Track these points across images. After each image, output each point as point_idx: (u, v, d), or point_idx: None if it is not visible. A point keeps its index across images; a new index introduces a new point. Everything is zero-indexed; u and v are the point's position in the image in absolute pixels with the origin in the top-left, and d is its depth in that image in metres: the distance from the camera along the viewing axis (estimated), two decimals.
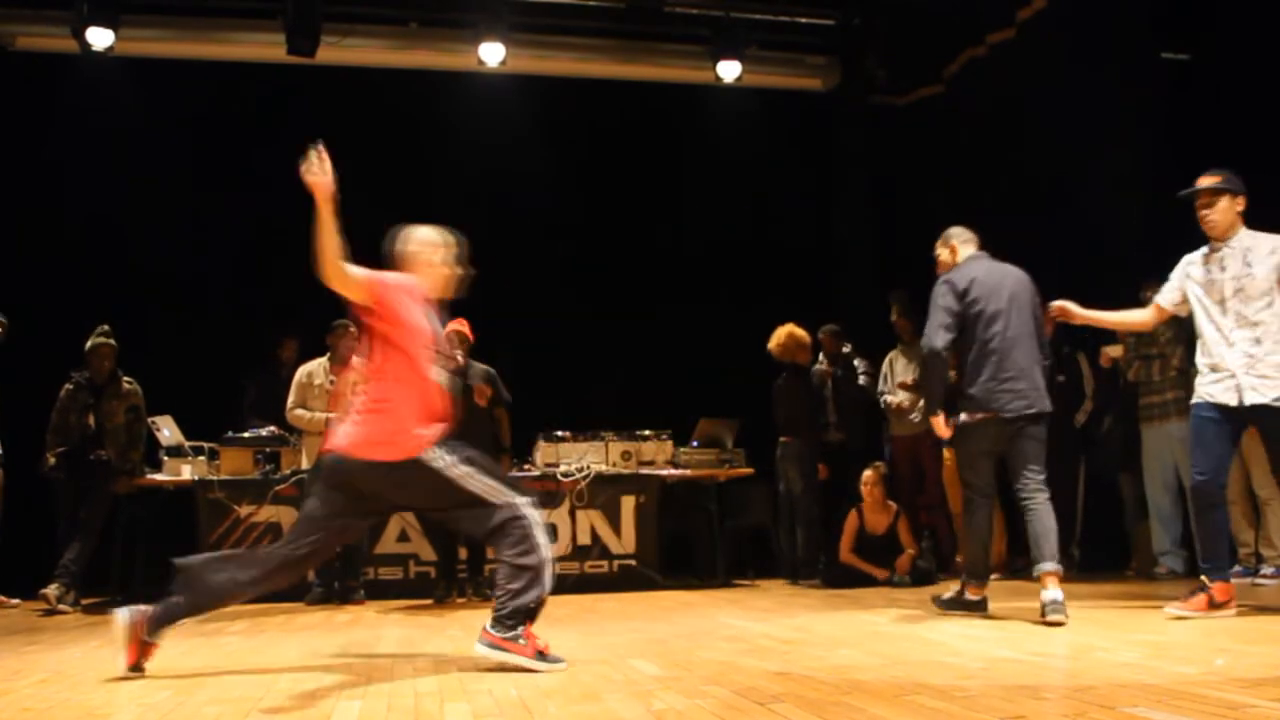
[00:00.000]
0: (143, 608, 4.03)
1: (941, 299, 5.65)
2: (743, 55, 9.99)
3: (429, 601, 7.30)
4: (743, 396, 8.79)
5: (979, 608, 5.55)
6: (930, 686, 3.42)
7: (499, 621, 4.09)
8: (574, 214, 10.32)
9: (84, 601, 7.31)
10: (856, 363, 8.83)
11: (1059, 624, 4.92)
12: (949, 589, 5.82)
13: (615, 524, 8.16)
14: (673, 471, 8.34)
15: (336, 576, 7.45)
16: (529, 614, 4.15)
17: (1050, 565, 5.19)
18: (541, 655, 4.08)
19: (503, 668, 4.01)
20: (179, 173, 9.31)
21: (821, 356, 8.71)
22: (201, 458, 7.83)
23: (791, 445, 8.28)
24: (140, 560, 7.86)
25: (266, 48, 9.52)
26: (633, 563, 8.15)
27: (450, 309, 7.57)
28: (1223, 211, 5.17)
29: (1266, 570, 6.83)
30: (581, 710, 3.21)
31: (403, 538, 7.88)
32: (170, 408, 7.85)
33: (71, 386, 7.63)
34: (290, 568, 4.21)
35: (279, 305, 8.77)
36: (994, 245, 9.07)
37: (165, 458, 7.80)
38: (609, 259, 10.33)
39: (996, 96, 9.36)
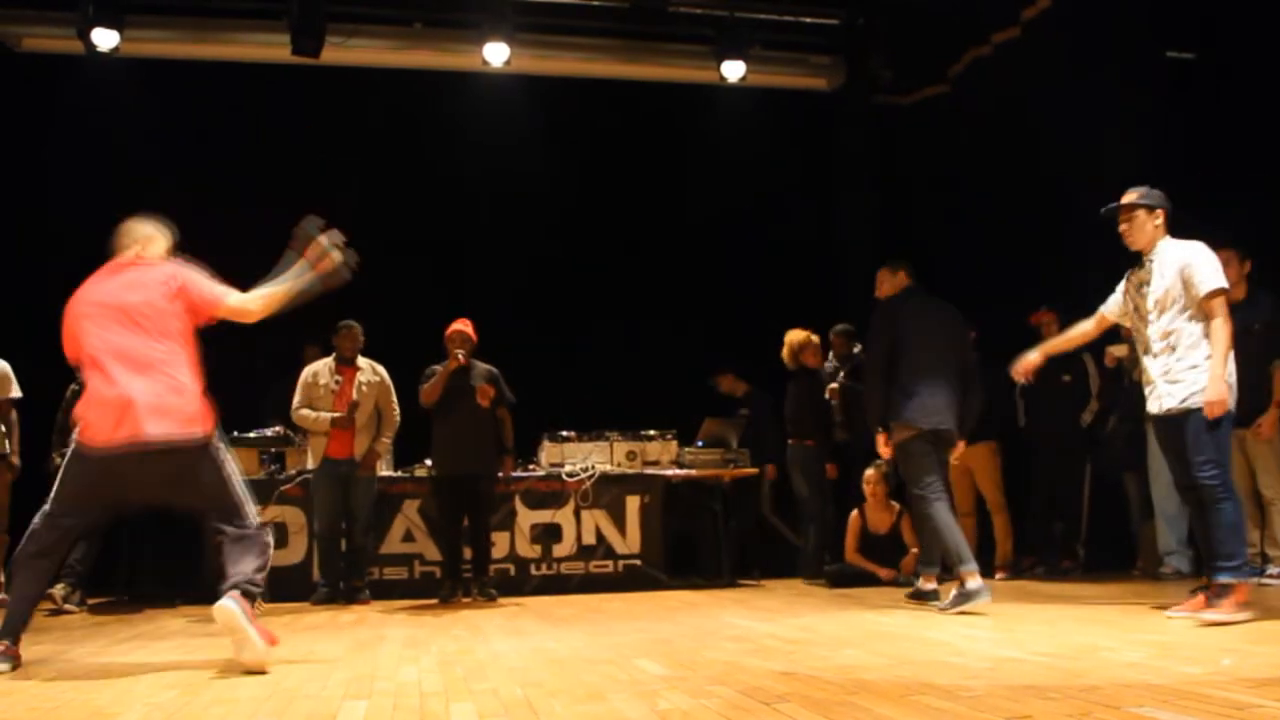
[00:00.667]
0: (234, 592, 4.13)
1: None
2: (747, 55, 9.98)
3: (434, 601, 7.31)
4: (743, 397, 8.80)
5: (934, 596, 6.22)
6: (936, 686, 3.42)
7: None
8: (578, 213, 10.33)
9: (90, 601, 7.32)
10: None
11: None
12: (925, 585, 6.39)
13: (620, 524, 8.17)
14: (678, 471, 8.35)
15: (342, 577, 7.46)
16: None
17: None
18: None
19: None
20: (186, 173, 9.31)
21: (831, 356, 8.70)
22: None
23: (798, 448, 8.29)
24: (147, 560, 7.89)
25: (271, 48, 9.52)
26: (638, 562, 8.15)
27: (455, 310, 7.66)
28: (1139, 227, 5.30)
29: (1272, 570, 6.82)
30: (587, 710, 3.21)
31: (408, 537, 7.89)
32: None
33: (76, 387, 7.62)
34: None
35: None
36: (999, 245, 9.10)
37: None
38: (613, 259, 10.33)
39: (1001, 96, 9.35)
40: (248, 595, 4.16)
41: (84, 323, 4.38)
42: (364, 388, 7.57)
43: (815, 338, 8.40)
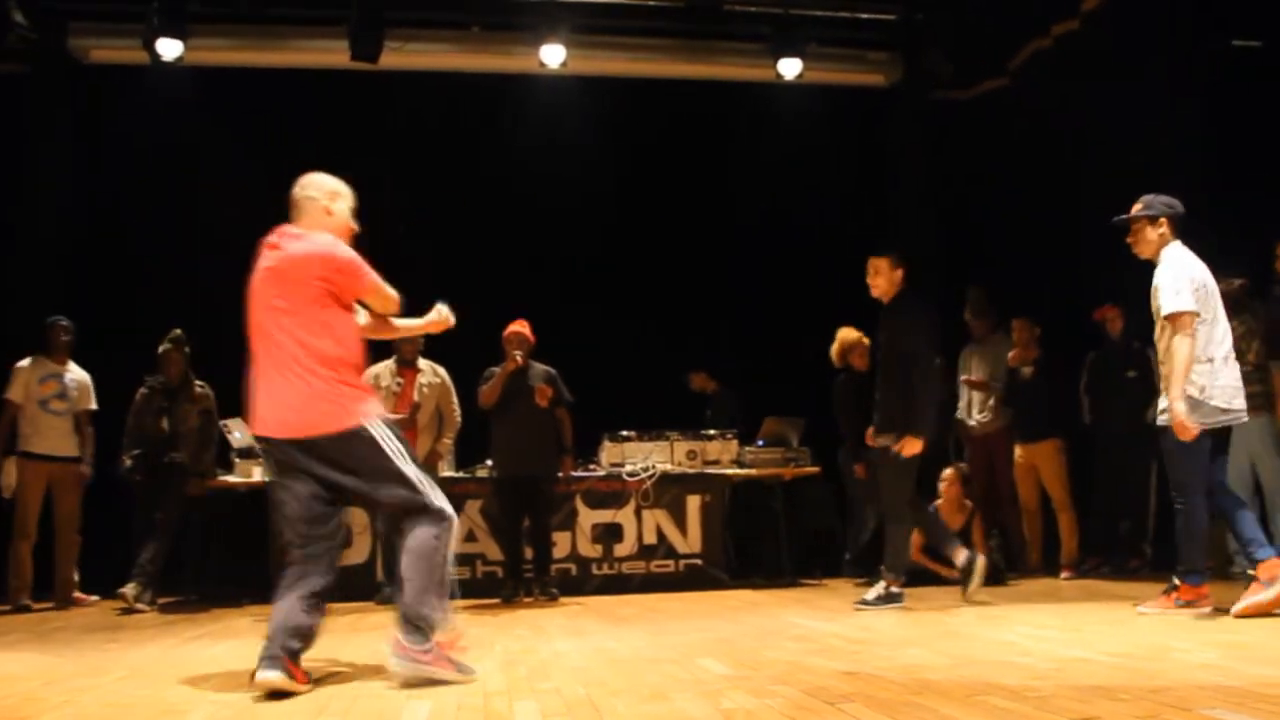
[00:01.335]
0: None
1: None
2: (803, 52, 9.91)
3: (496, 601, 7.35)
4: (808, 395, 8.75)
5: (899, 599, 6.20)
6: (1001, 687, 3.38)
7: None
8: (635, 213, 10.32)
9: (160, 600, 7.46)
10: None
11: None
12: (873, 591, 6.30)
13: (681, 523, 8.17)
14: (738, 471, 8.33)
15: None
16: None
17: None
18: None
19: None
20: (248, 178, 9.42)
21: None
22: None
23: (850, 448, 8.24)
24: (214, 560, 8.02)
25: (330, 54, 9.63)
26: (699, 562, 8.15)
27: (513, 311, 7.70)
28: (1143, 238, 5.49)
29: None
30: (650, 709, 3.22)
31: (470, 538, 7.94)
32: (242, 410, 7.95)
33: (146, 391, 7.81)
34: None
35: None
36: (1061, 240, 8.96)
37: (236, 460, 7.93)
38: (669, 258, 10.31)
39: (1062, 89, 9.22)
40: None
41: None
42: (425, 389, 7.64)
43: (867, 340, 8.31)
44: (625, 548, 8.10)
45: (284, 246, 4.03)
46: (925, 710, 3.05)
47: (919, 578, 7.58)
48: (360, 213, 4.35)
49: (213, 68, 9.76)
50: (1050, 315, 8.38)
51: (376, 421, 3.98)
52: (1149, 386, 7.94)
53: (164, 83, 9.51)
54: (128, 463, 7.67)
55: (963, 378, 8.58)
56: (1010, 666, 3.82)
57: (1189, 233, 5.45)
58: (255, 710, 3.44)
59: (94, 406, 7.99)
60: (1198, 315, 5.25)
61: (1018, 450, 8.22)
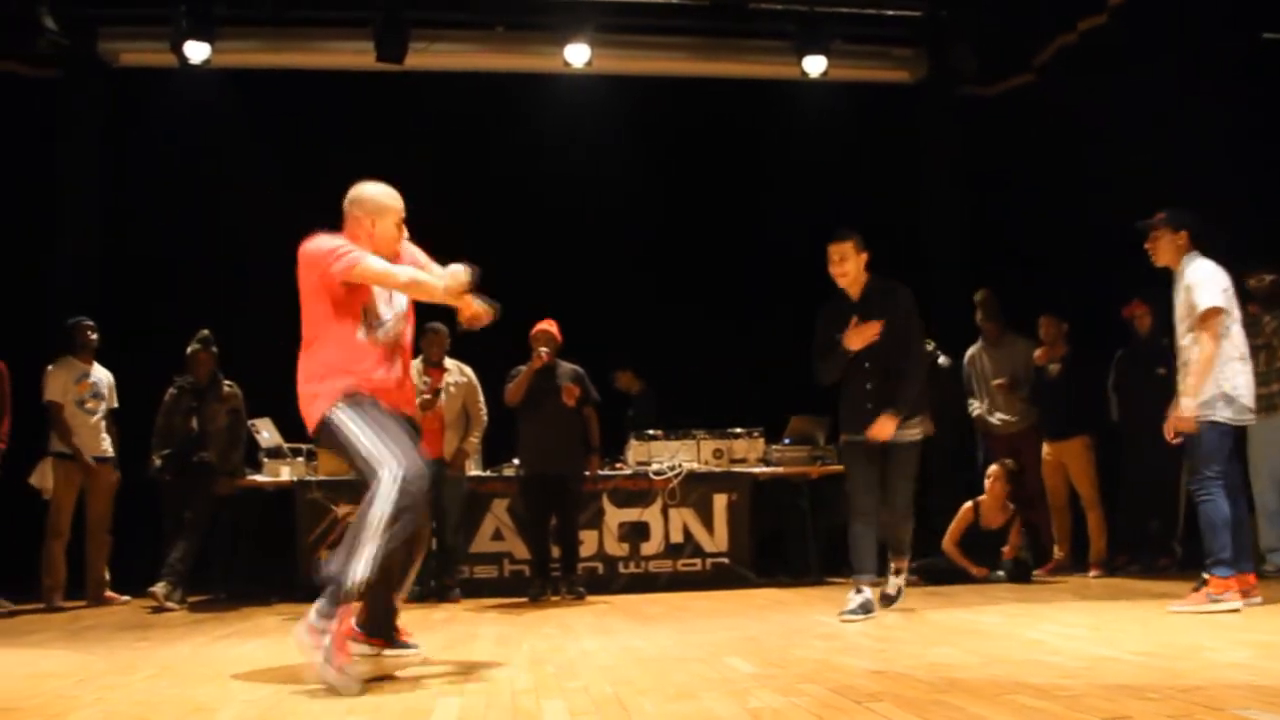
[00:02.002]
0: None
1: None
2: (828, 50, 9.89)
3: (524, 600, 7.37)
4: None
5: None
6: (1031, 685, 3.37)
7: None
8: (660, 213, 10.32)
9: (190, 599, 7.50)
10: (941, 361, 8.67)
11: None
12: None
13: (708, 522, 8.17)
14: (764, 469, 8.32)
15: (433, 575, 7.55)
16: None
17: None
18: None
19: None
20: (274, 179, 9.49)
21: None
22: (300, 459, 7.99)
23: None
24: (242, 559, 8.07)
25: (356, 55, 9.67)
26: (726, 560, 8.14)
27: (539, 310, 7.71)
28: (1163, 246, 5.58)
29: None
30: (677, 708, 3.22)
31: (497, 536, 7.97)
32: (270, 410, 8.01)
33: (175, 391, 7.86)
34: None
35: None
36: (1089, 236, 8.90)
37: (265, 459, 7.99)
38: (697, 257, 10.31)
39: (1088, 84, 9.15)
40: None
41: None
42: (452, 389, 7.66)
43: None
44: (652, 546, 8.10)
45: None
46: (953, 709, 3.04)
47: (945, 576, 7.56)
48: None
49: (240, 70, 9.83)
50: (1077, 312, 8.32)
51: (340, 405, 3.99)
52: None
53: (191, 85, 9.59)
54: (157, 462, 7.72)
55: (995, 382, 8.50)
56: (1039, 665, 3.80)
57: (1219, 226, 5.45)
58: (284, 708, 3.46)
59: (115, 405, 8.07)
60: (1229, 314, 5.25)
61: (1045, 448, 8.17)
